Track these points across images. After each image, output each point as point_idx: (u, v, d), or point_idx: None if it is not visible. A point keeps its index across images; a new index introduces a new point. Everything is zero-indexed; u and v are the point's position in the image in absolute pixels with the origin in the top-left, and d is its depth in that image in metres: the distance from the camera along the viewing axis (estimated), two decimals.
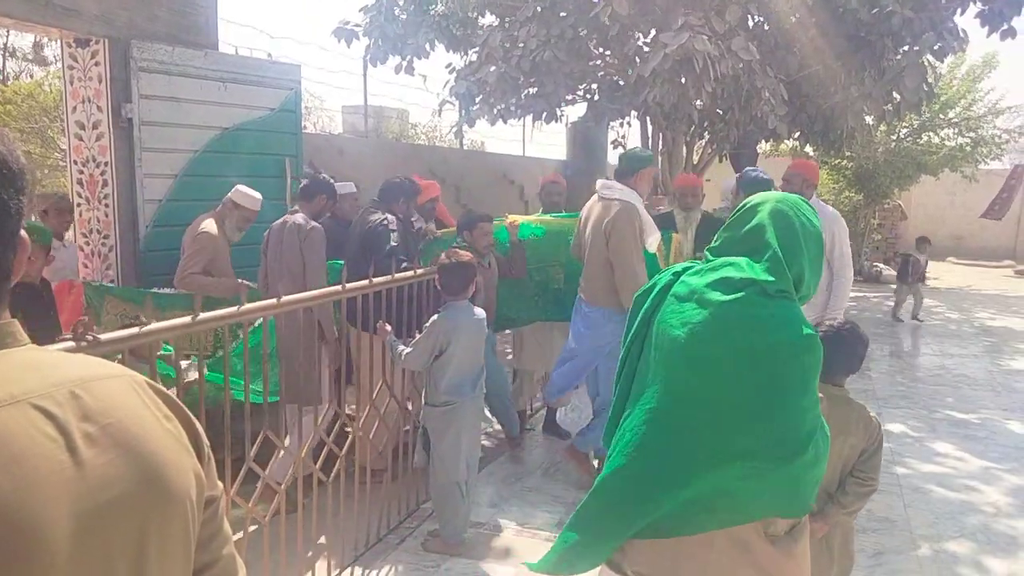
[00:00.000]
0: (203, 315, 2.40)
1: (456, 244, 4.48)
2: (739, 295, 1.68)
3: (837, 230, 4.27)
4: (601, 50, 7.71)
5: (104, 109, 4.58)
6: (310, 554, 3.12)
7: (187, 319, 2.37)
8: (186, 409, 0.88)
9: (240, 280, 4.15)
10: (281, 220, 4.07)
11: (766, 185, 4.05)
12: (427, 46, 7.89)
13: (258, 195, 4.35)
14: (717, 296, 1.70)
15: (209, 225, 4.19)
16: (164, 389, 0.88)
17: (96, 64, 4.56)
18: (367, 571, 3.25)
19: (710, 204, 5.79)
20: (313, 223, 4.01)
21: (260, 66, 5.54)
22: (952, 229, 18.75)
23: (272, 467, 3.07)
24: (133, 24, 4.70)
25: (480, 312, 3.46)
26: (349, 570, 3.22)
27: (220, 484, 0.95)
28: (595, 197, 4.10)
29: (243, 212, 4.28)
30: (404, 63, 8.03)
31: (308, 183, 4.42)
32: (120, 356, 2.13)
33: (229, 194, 4.29)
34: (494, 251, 4.53)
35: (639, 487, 1.72)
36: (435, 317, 3.32)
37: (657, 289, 1.87)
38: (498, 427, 5.06)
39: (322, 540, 3.19)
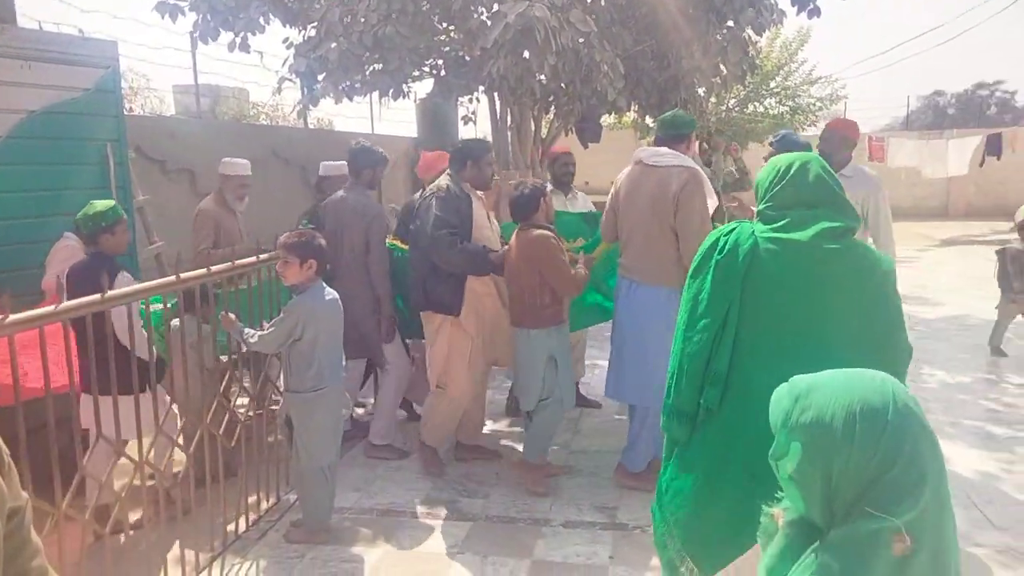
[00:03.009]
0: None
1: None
2: (846, 241, 1.95)
3: (881, 201, 3.96)
4: (445, 25, 7.65)
5: None
6: (160, 562, 2.95)
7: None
8: None
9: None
10: (339, 196, 4.19)
11: (804, 148, 3.87)
12: (261, 20, 7.47)
13: (243, 161, 4.62)
14: (834, 245, 1.93)
15: (205, 203, 4.50)
16: None
17: None
18: (226, 571, 3.12)
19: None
20: (377, 208, 4.22)
21: (70, 42, 5.02)
22: None
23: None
24: None
25: (333, 293, 3.38)
26: (206, 572, 3.08)
27: (24, 494, 0.90)
28: (637, 167, 3.69)
29: (234, 180, 4.52)
30: (237, 40, 7.56)
31: (350, 158, 4.34)
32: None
33: (219, 168, 4.57)
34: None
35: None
36: (293, 300, 3.23)
37: (746, 250, 1.99)
38: (360, 410, 4.99)
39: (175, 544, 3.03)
